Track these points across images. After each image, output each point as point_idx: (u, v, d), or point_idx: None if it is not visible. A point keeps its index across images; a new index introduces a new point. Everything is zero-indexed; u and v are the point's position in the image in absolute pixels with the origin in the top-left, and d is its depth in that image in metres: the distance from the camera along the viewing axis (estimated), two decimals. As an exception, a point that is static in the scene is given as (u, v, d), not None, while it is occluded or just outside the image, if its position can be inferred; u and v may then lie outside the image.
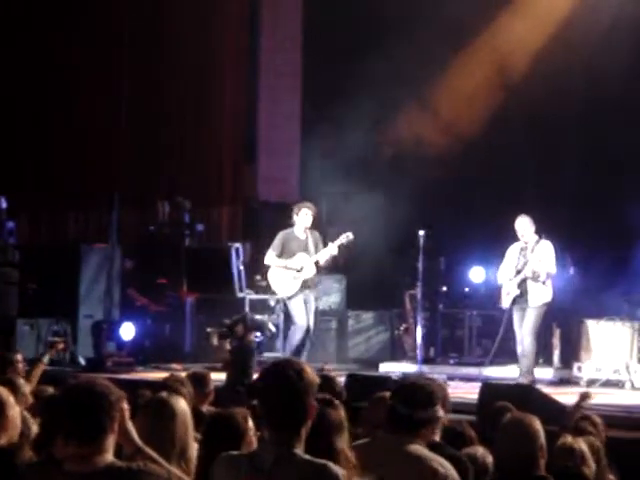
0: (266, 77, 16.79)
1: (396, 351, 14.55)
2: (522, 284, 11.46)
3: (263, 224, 15.98)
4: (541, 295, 11.44)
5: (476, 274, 14.67)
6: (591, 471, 4.54)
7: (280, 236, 12.22)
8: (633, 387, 11.32)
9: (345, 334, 14.90)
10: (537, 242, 11.50)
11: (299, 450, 3.55)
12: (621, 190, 14.47)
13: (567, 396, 9.21)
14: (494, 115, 15.40)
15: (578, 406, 7.46)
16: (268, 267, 12.25)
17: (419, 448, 3.97)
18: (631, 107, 14.52)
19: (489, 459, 4.52)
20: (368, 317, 15.15)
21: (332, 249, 12.14)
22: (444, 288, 14.63)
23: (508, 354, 13.12)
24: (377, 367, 13.24)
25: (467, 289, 14.93)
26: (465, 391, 10.43)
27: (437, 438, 4.33)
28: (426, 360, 13.31)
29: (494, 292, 14.22)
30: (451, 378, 11.90)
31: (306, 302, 12.04)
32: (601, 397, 9.91)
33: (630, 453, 6.12)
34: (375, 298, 15.16)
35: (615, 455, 6.01)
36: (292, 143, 16.82)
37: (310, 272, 12.06)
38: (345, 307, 15.17)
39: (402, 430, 3.95)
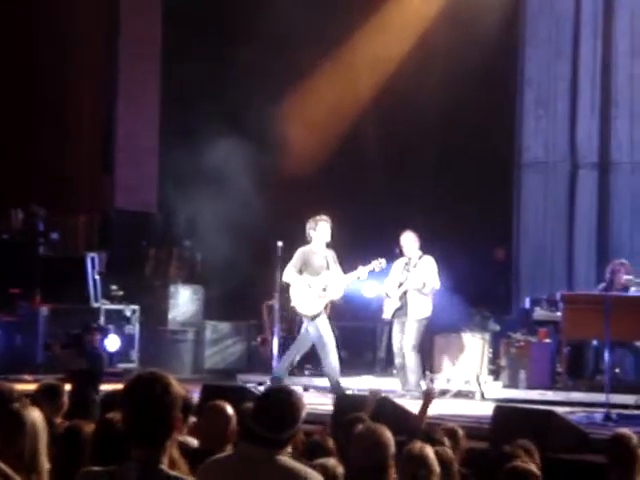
0: (125, 85, 16.62)
1: (253, 362, 14.57)
2: (403, 297, 11.71)
3: (120, 233, 15.81)
4: (420, 309, 11.71)
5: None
6: (436, 478, 4.66)
7: (300, 252, 11.46)
8: (483, 398, 11.57)
9: (202, 345, 14.85)
10: (420, 257, 11.83)
11: (164, 466, 3.46)
12: (475, 203, 14.84)
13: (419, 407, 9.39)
14: (353, 128, 15.62)
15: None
16: (287, 284, 11.51)
17: (288, 460, 3.96)
18: (485, 119, 14.95)
19: (339, 469, 4.58)
20: (225, 328, 15.13)
21: (362, 274, 11.45)
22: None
23: (365, 365, 13.33)
24: (234, 377, 13.23)
25: (323, 300, 15.03)
26: (320, 402, 10.51)
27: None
28: (282, 371, 13.35)
29: (350, 303, 14.43)
30: (306, 389, 12.02)
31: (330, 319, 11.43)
32: (452, 408, 10.13)
33: (480, 463, 6.25)
34: (233, 309, 15.16)
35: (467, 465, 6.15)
36: (150, 152, 16.68)
37: (338, 293, 11.46)
38: (202, 317, 15.12)
39: (266, 446, 3.92)
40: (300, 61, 15.22)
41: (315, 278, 11.36)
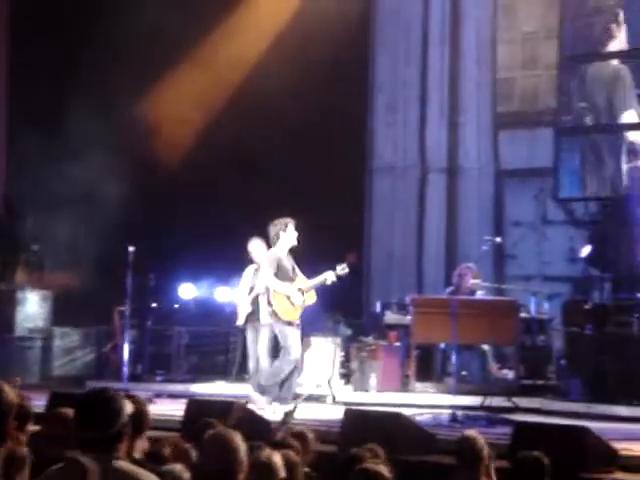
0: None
1: (103, 368, 14.37)
2: (255, 302, 11.64)
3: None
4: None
5: (185, 290, 14.72)
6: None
7: (272, 256, 10.81)
8: (334, 401, 11.66)
9: (51, 351, 14.57)
10: None
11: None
12: (326, 208, 14.96)
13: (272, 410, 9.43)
14: (210, 132, 15.59)
15: (283, 424, 7.68)
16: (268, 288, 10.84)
17: (124, 464, 3.91)
18: (337, 123, 15.10)
19: (186, 475, 4.56)
20: (75, 334, 14.88)
21: (330, 278, 10.89)
22: (153, 304, 14.59)
23: (218, 370, 13.30)
24: (84, 385, 13.00)
25: (177, 305, 14.94)
26: (172, 408, 10.43)
27: (137, 455, 4.27)
28: (133, 377, 13.23)
29: (203, 308, 14.40)
30: (158, 395, 11.91)
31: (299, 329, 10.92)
32: (303, 411, 10.17)
33: (328, 466, 6.30)
34: (83, 315, 14.91)
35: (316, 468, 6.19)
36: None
37: (312, 299, 10.96)
38: (51, 324, 14.83)
39: (98, 449, 3.88)
40: (161, 60, 15.11)
41: (290, 284, 10.87)
